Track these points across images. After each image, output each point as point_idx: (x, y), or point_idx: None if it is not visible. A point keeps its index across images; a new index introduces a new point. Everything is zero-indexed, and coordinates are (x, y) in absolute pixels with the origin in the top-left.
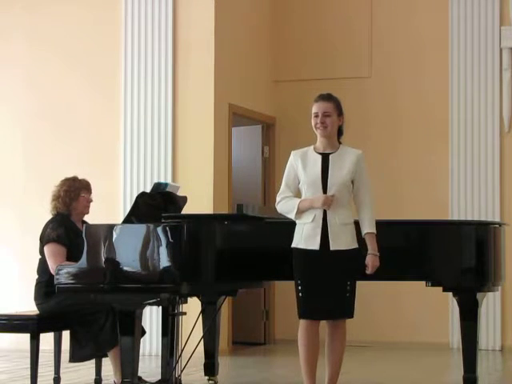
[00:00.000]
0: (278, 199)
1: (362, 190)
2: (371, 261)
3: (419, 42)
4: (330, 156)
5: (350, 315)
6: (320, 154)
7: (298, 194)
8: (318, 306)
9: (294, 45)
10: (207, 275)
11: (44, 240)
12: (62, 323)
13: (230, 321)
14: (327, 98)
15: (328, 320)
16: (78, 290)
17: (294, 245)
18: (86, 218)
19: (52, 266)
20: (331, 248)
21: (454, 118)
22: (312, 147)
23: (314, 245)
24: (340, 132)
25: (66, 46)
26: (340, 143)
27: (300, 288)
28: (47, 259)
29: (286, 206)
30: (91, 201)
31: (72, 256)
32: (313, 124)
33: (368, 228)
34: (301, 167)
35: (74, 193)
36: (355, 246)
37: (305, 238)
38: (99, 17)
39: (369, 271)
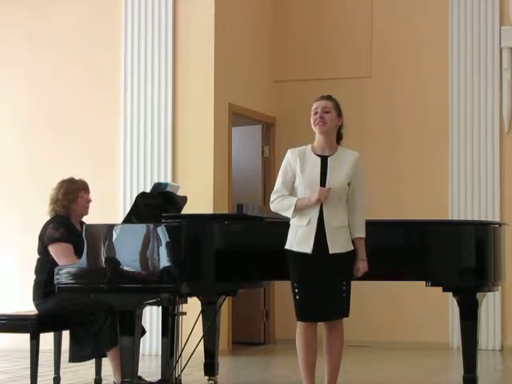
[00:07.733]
0: (273, 197)
1: (357, 193)
2: (361, 266)
3: (419, 41)
4: (329, 159)
5: (346, 314)
6: (319, 155)
7: (293, 193)
8: (315, 308)
9: (294, 45)
10: (207, 275)
11: (46, 240)
12: (62, 323)
13: (230, 321)
14: (327, 97)
15: (325, 321)
16: (78, 289)
17: (287, 246)
18: (86, 217)
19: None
20: (330, 251)
21: (454, 117)
22: (310, 147)
23: (307, 248)
24: (339, 136)
25: (66, 45)
26: (338, 145)
27: (297, 291)
28: (57, 259)
29: (281, 204)
30: (90, 201)
31: None
32: (312, 121)
33: (359, 233)
34: (299, 168)
35: (72, 195)
36: (352, 247)
37: (298, 240)
38: (99, 15)
39: (358, 276)
